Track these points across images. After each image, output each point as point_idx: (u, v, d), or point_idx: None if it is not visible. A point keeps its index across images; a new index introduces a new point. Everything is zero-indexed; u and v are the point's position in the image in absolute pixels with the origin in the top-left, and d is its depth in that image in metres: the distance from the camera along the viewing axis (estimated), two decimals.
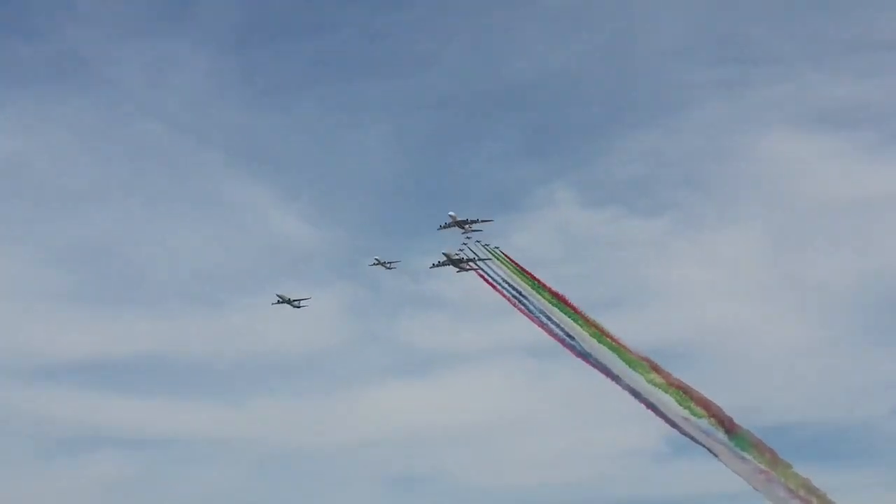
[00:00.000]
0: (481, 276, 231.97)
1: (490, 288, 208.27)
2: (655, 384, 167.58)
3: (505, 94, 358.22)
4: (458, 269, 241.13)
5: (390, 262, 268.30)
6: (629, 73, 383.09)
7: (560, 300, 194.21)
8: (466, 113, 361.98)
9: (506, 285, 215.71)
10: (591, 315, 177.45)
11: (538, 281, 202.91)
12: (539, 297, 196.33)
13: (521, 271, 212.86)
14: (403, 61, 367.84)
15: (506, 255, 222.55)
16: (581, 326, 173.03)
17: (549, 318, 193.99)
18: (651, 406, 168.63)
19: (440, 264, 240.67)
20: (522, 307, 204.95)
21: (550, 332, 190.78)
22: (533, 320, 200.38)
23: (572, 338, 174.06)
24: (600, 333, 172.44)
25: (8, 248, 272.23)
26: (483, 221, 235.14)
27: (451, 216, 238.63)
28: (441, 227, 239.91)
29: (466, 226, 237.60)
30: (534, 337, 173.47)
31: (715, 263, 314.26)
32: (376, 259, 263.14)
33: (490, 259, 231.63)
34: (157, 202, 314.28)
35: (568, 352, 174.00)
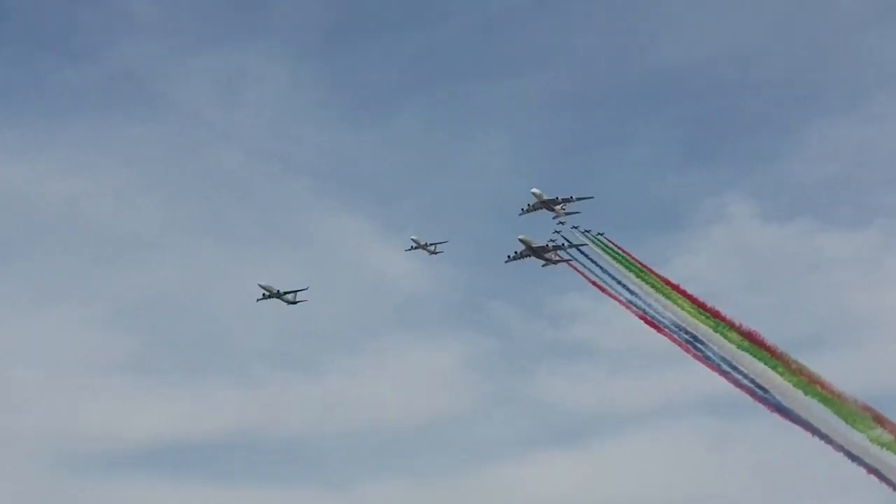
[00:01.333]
0: (575, 268, 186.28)
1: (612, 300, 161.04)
2: (881, 442, 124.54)
3: (653, 87, 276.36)
4: (543, 262, 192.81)
5: (434, 245, 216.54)
6: (813, 50, 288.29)
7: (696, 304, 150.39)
8: (606, 113, 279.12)
9: (612, 281, 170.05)
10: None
11: (668, 283, 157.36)
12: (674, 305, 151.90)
13: (633, 262, 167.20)
14: (524, 56, 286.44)
15: (613, 244, 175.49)
16: (773, 368, 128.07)
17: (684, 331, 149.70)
18: (875, 471, 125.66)
19: (517, 256, 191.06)
20: (637, 311, 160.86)
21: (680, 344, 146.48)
22: (656, 328, 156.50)
23: (764, 390, 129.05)
24: (800, 376, 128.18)
25: (65, 310, 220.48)
26: (580, 199, 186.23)
27: (534, 194, 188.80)
28: (523, 212, 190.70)
29: (557, 206, 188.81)
30: (712, 388, 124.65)
31: None
32: (414, 241, 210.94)
33: (586, 245, 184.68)
34: (236, 244, 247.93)
35: (759, 405, 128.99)
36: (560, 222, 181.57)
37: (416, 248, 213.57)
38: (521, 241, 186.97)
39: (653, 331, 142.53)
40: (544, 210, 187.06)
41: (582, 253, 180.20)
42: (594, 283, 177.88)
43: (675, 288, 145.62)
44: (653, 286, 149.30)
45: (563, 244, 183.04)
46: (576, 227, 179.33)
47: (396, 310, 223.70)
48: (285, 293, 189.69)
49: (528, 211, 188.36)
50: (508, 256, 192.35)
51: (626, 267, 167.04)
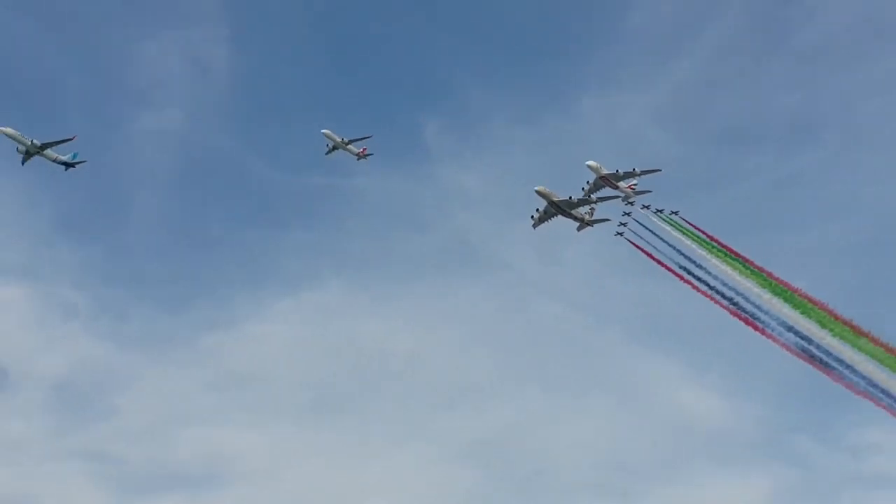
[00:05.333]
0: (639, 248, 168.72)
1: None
2: None
3: None
4: (578, 224, 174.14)
5: (354, 141, 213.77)
6: None
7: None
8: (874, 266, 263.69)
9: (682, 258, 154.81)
10: None
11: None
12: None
13: (711, 241, 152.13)
14: (817, 207, 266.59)
15: (688, 222, 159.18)
16: None
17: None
18: None
19: (543, 217, 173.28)
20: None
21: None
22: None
23: None
24: None
25: (410, 446, 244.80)
26: (646, 172, 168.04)
27: (591, 167, 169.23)
28: (583, 192, 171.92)
29: (621, 183, 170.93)
30: None
31: None
32: (328, 137, 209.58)
33: (632, 205, 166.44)
34: (556, 388, 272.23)
35: None
36: (629, 202, 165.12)
37: (333, 149, 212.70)
38: (538, 193, 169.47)
39: None
40: (607, 188, 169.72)
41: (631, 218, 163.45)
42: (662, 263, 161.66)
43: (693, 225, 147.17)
44: (669, 222, 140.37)
45: (592, 198, 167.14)
46: (646, 207, 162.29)
47: (704, 444, 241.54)
48: (46, 146, 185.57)
49: (590, 191, 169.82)
50: (532, 217, 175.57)
51: (709, 250, 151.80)
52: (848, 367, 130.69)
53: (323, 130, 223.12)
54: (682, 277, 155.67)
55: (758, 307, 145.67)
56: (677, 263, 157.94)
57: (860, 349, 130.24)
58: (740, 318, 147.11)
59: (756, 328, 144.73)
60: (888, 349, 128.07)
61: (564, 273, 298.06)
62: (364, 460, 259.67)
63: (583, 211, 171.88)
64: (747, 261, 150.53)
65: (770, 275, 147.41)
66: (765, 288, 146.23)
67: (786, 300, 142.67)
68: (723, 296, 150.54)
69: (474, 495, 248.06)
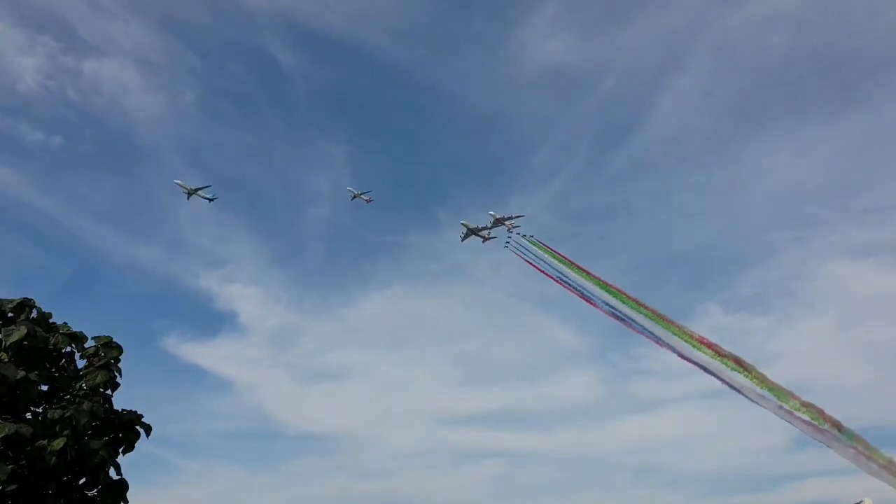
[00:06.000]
0: (519, 256, 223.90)
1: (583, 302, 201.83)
2: None
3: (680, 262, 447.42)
4: (482, 240, 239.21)
5: (364, 193, 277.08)
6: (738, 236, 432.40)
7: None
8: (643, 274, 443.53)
9: (540, 261, 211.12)
10: None
11: (577, 265, 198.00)
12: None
13: (555, 254, 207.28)
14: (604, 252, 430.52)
15: (541, 242, 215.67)
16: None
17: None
18: None
19: (465, 236, 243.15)
20: (560, 280, 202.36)
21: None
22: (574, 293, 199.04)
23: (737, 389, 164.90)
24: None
25: (432, 359, 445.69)
26: (518, 217, 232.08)
27: (491, 214, 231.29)
28: (487, 227, 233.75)
29: (507, 222, 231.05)
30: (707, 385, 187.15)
31: None
32: (350, 192, 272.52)
33: (512, 236, 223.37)
34: (499, 331, 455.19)
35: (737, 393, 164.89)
36: (510, 231, 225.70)
37: (355, 197, 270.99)
38: (462, 224, 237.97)
39: (680, 360, 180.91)
40: (501, 226, 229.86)
41: (516, 242, 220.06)
42: (530, 263, 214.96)
43: (543, 244, 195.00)
44: (531, 243, 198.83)
45: (488, 227, 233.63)
46: (520, 234, 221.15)
47: (566, 358, 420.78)
48: (197, 189, 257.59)
49: (491, 226, 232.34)
50: (460, 237, 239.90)
51: (535, 245, 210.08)
52: (633, 321, 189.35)
53: (348, 188, 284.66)
54: (552, 277, 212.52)
55: (591, 293, 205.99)
56: (542, 269, 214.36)
57: (641, 313, 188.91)
58: (582, 298, 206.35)
59: (590, 303, 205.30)
60: (653, 312, 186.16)
61: (504, 279, 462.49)
62: (411, 366, 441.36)
63: (484, 233, 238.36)
64: (587, 272, 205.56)
65: (598, 278, 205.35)
66: (596, 285, 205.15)
67: (606, 291, 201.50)
68: (574, 288, 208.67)
69: (460, 379, 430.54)
